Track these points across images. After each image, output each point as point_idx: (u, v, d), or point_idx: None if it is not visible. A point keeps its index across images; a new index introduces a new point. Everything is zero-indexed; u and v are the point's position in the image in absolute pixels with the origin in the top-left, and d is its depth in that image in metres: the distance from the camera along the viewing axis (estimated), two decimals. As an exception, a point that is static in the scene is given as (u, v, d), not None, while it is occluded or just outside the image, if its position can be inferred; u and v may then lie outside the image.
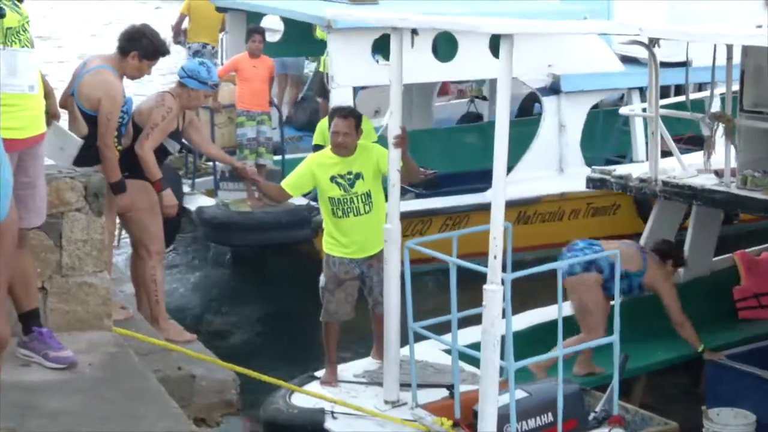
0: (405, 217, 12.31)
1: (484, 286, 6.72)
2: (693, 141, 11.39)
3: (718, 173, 8.81)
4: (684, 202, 9.21)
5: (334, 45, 12.29)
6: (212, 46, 17.29)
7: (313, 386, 8.34)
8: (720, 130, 8.81)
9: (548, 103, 13.71)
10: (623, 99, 14.81)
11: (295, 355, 8.79)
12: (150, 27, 7.74)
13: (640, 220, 10.03)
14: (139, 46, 7.51)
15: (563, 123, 13.60)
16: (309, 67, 18.52)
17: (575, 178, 11.91)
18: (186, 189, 13.04)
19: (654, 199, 9.78)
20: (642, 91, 13.23)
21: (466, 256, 7.74)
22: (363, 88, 14.14)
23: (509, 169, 13.07)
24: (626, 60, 13.48)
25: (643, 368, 9.33)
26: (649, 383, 9.30)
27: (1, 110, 5.46)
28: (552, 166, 13.55)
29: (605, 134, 14.75)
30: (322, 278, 8.47)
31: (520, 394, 7.41)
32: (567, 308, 9.27)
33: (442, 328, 7.91)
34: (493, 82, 16.22)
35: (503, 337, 6.89)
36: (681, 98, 10.53)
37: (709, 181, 8.80)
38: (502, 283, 6.73)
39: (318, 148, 10.90)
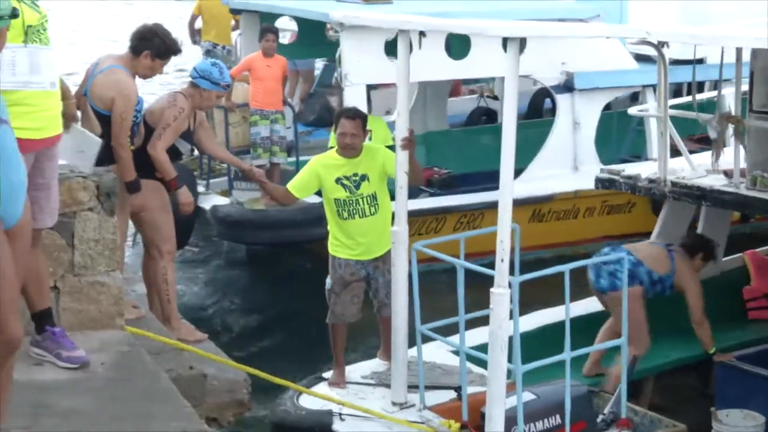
0: (419, 215, 12.59)
1: (492, 290, 6.84)
2: (706, 140, 11.54)
3: (728, 173, 8.91)
4: (693, 202, 9.31)
5: (346, 43, 12.44)
6: (223, 46, 17.49)
7: (321, 387, 8.50)
8: (729, 130, 8.92)
9: (562, 100, 13.89)
10: (638, 99, 14.94)
11: (306, 355, 8.94)
12: (162, 26, 7.87)
13: (656, 217, 10.19)
14: (152, 45, 7.63)
15: (577, 121, 13.78)
16: (319, 63, 18.72)
17: (590, 175, 12.06)
18: (201, 189, 13.25)
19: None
20: (656, 88, 13.38)
21: (478, 255, 7.89)
22: (375, 87, 14.32)
23: (523, 169, 13.45)
24: (640, 58, 13.62)
25: (652, 368, 9.43)
26: (659, 384, 9.40)
27: (21, 110, 5.58)
28: (566, 164, 13.72)
29: (620, 135, 14.90)
30: (328, 280, 8.61)
31: (527, 396, 7.54)
32: (575, 309, 9.45)
33: (450, 329, 8.03)
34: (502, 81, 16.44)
35: (511, 340, 7.01)
36: (690, 98, 10.64)
37: (718, 182, 8.89)
38: (510, 286, 6.84)
39: None
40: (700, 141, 12.11)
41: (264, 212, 12.53)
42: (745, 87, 9.28)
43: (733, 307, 10.33)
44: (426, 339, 8.17)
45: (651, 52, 12.39)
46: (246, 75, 13.76)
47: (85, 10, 40.02)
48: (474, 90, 18.69)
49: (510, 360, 7.09)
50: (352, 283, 8.53)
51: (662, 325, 9.53)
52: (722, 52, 8.99)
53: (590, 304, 10.03)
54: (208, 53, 17.03)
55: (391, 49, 12.11)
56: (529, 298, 9.06)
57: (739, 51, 8.92)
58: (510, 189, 6.89)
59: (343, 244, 8.49)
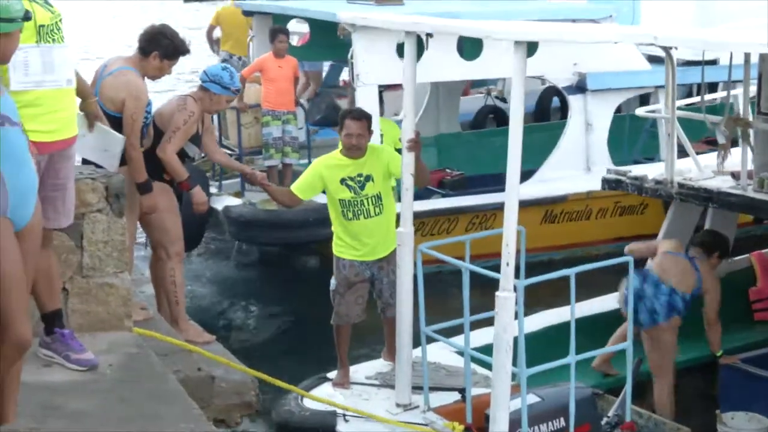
0: (432, 215, 12.77)
1: (497, 293, 6.92)
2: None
3: (735, 175, 9.00)
4: (700, 204, 9.41)
5: (358, 44, 12.61)
6: (239, 57, 17.74)
7: (325, 388, 8.63)
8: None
9: (574, 101, 14.05)
10: (647, 101, 15.08)
11: (313, 356, 9.07)
12: (169, 27, 7.98)
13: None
14: (160, 46, 7.75)
15: (590, 122, 13.94)
16: (325, 65, 18.93)
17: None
18: (213, 190, 13.46)
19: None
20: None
21: (487, 256, 8.00)
22: (384, 88, 14.54)
23: (535, 170, 13.59)
24: (652, 59, 13.74)
25: None
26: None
27: (34, 111, 5.72)
28: (579, 165, 13.87)
29: (633, 137, 15.04)
30: (332, 281, 8.73)
31: (532, 398, 7.61)
32: (580, 310, 9.56)
33: (456, 331, 8.15)
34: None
35: (516, 341, 7.09)
36: (698, 99, 10.75)
37: (725, 184, 8.99)
38: (515, 289, 6.92)
39: None
40: (713, 143, 12.22)
41: (276, 213, 12.68)
42: (753, 89, 9.40)
43: (739, 308, 10.42)
44: (431, 340, 8.26)
45: (661, 53, 12.51)
46: (258, 76, 13.95)
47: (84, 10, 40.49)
48: (483, 93, 18.89)
49: (515, 362, 7.16)
50: (357, 283, 8.65)
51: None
52: (731, 56, 9.10)
53: (595, 305, 10.20)
54: (224, 63, 17.26)
55: (403, 50, 12.28)
56: (535, 300, 9.23)
57: (747, 54, 9.01)
58: (516, 192, 6.93)
59: (348, 244, 8.61)
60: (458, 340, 8.15)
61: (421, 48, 12.09)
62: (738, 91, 10.15)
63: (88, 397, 5.75)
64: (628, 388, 8.04)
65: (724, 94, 11.87)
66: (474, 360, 8.00)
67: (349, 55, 13.06)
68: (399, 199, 8.41)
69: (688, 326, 9.36)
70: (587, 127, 13.95)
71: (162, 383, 6.00)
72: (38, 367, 6.00)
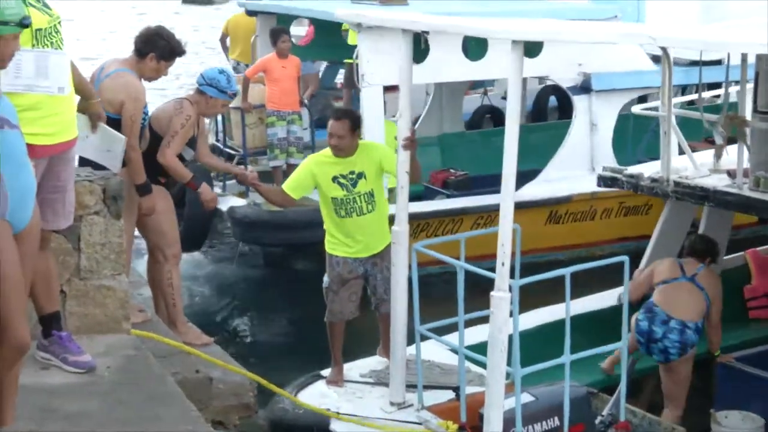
0: (436, 216, 12.91)
1: (492, 293, 7.05)
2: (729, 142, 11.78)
3: (731, 173, 9.07)
4: (695, 203, 9.49)
5: (364, 44, 12.73)
6: (246, 64, 17.98)
7: (319, 385, 8.78)
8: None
9: (579, 102, 14.20)
10: (647, 100, 15.21)
11: (317, 355, 9.20)
12: (165, 28, 8.12)
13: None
14: (156, 48, 7.90)
15: (594, 122, 14.08)
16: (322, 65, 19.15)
17: (607, 177, 12.38)
18: (217, 190, 13.57)
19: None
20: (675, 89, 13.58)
21: (492, 257, 8.11)
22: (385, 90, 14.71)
23: (539, 170, 13.73)
24: (657, 59, 13.85)
25: (652, 368, 9.59)
26: (659, 383, 9.55)
27: (33, 115, 5.82)
28: (583, 166, 14.00)
29: (637, 137, 15.20)
30: (325, 278, 8.87)
31: (526, 397, 7.71)
32: (574, 308, 9.70)
33: (451, 329, 8.24)
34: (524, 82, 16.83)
35: (511, 341, 7.21)
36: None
37: (721, 182, 9.05)
38: (510, 289, 7.04)
39: None
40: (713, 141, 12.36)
41: (281, 213, 12.79)
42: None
43: (734, 306, 10.48)
44: (426, 338, 8.40)
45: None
46: (261, 76, 14.12)
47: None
48: (479, 92, 19.08)
49: (509, 361, 7.28)
50: (350, 280, 8.79)
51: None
52: (728, 55, 9.23)
53: (589, 303, 10.34)
54: (234, 71, 17.57)
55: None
56: (533, 299, 9.35)
57: (744, 54, 9.11)
58: (511, 193, 7.09)
59: (341, 242, 8.75)
60: (453, 338, 8.24)
61: (426, 48, 12.32)
62: (735, 89, 10.30)
63: (86, 400, 5.87)
64: (622, 387, 8.14)
65: (720, 91, 12.02)
66: (468, 358, 8.10)
67: (354, 56, 13.19)
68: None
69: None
70: (592, 128, 14.11)
71: (160, 385, 6.11)
72: (36, 370, 6.12)
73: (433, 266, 8.44)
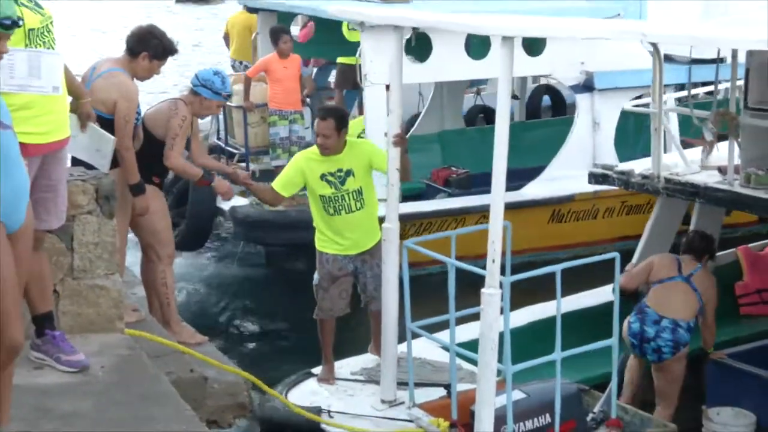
0: (439, 215, 13.11)
1: (482, 290, 7.17)
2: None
3: (722, 170, 9.22)
4: (686, 199, 9.62)
5: (367, 43, 12.87)
6: (240, 61, 18.33)
7: (310, 383, 8.94)
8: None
9: (582, 100, 14.38)
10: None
11: (314, 354, 9.35)
12: (157, 27, 8.18)
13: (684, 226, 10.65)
14: (149, 47, 7.97)
15: (597, 120, 14.25)
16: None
17: (609, 176, 12.50)
18: None
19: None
20: (675, 88, 13.66)
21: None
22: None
23: (540, 167, 13.87)
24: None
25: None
26: (650, 380, 9.64)
27: (26, 114, 5.90)
28: (586, 164, 14.13)
29: (639, 133, 15.35)
30: (315, 276, 9.03)
31: (518, 394, 7.88)
32: (565, 306, 9.82)
33: (442, 327, 8.42)
34: (522, 81, 17.07)
35: (502, 338, 7.34)
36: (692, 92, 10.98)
37: (711, 179, 9.20)
38: (501, 286, 7.17)
39: None
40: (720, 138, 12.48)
41: (283, 213, 12.92)
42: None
43: (726, 302, 10.58)
44: (417, 336, 8.52)
45: (670, 50, 12.77)
46: (263, 75, 14.29)
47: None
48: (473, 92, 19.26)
49: (501, 359, 7.40)
50: (340, 278, 8.95)
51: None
52: (718, 51, 9.37)
53: (583, 300, 10.54)
54: (233, 69, 17.98)
55: (411, 49, 12.58)
56: (528, 298, 9.52)
57: (735, 50, 9.27)
58: (502, 190, 7.18)
59: (330, 239, 8.91)
60: (445, 336, 8.39)
61: (429, 47, 12.44)
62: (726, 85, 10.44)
63: (80, 399, 5.92)
64: (613, 384, 8.31)
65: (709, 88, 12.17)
66: (459, 356, 8.26)
67: (357, 54, 13.34)
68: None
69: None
70: (594, 126, 14.28)
71: (154, 385, 6.18)
72: (29, 370, 6.18)
73: (433, 266, 8.56)
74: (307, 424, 8.33)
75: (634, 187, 9.83)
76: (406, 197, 13.65)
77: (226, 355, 8.22)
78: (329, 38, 15.90)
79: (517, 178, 14.34)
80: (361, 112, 17.10)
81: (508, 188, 13.77)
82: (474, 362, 7.63)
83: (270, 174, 13.69)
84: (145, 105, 8.33)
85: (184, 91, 8.82)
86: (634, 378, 9.49)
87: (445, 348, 8.59)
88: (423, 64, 12.75)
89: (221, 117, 14.97)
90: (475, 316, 7.66)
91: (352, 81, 17.55)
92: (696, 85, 14.69)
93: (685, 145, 10.16)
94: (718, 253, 10.86)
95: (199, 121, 9.15)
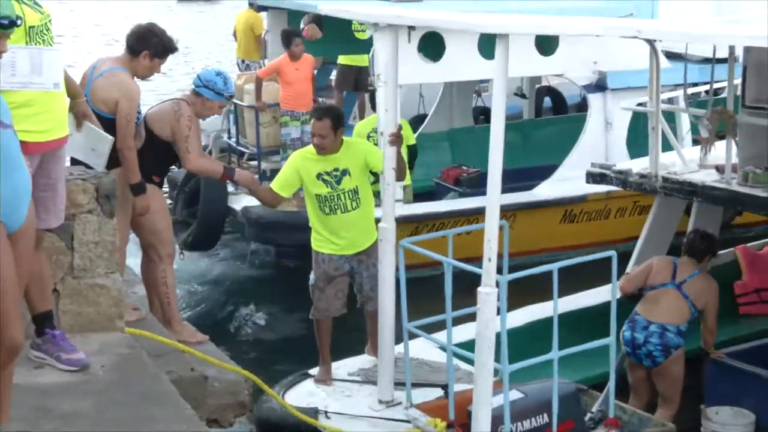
0: (451, 216, 13.30)
1: (479, 289, 7.28)
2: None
3: (719, 168, 9.38)
4: (684, 198, 9.77)
5: (380, 43, 13.03)
6: (242, 59, 18.61)
7: (307, 384, 9.09)
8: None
9: (594, 100, 14.62)
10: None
11: (316, 354, 9.53)
12: (157, 25, 8.32)
13: (687, 218, 10.74)
14: (150, 45, 8.11)
15: (609, 120, 14.44)
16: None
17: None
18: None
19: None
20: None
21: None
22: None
23: (552, 167, 14.06)
24: (670, 56, 14.13)
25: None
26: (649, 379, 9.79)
27: (26, 112, 6.03)
28: None
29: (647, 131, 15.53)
30: (311, 276, 9.18)
31: (515, 394, 7.99)
32: (564, 306, 9.95)
33: (441, 327, 8.51)
34: (532, 80, 17.29)
35: (499, 339, 7.44)
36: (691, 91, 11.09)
37: (709, 177, 9.37)
38: (497, 285, 7.28)
39: None
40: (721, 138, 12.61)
41: (296, 213, 13.04)
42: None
43: (725, 302, 10.62)
44: (415, 336, 8.64)
45: (681, 49, 12.90)
46: (275, 74, 14.47)
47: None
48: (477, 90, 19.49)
49: (498, 358, 7.51)
50: (336, 278, 9.11)
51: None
52: (714, 49, 9.52)
53: (583, 299, 10.67)
54: (238, 68, 18.41)
55: (424, 50, 12.85)
56: (531, 298, 9.67)
57: (731, 47, 9.43)
58: (497, 188, 7.30)
59: (326, 239, 9.07)
60: (442, 336, 8.49)
61: (442, 47, 12.62)
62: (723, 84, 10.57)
63: (80, 399, 6.03)
64: (611, 384, 8.42)
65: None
66: (457, 356, 8.36)
67: (370, 54, 13.51)
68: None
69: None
70: (607, 126, 14.47)
71: (155, 384, 6.30)
72: (29, 369, 6.29)
73: (438, 266, 8.71)
74: (303, 425, 8.44)
75: (632, 187, 9.97)
76: (417, 196, 13.90)
77: (229, 354, 8.34)
78: (338, 37, 16.08)
79: (527, 177, 14.59)
80: (361, 113, 17.43)
81: (520, 188, 14.13)
82: (472, 362, 7.72)
83: None
84: (144, 106, 8.43)
85: (186, 91, 8.93)
86: (639, 393, 9.72)
87: (443, 348, 8.68)
88: (436, 64, 12.95)
89: (232, 117, 15.23)
90: (474, 317, 7.69)
91: (352, 82, 17.83)
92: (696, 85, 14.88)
93: (698, 143, 10.28)
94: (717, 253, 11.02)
95: (209, 120, 9.29)
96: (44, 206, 6.20)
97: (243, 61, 19.30)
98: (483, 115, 18.43)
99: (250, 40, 19.16)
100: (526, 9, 14.12)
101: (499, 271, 7.44)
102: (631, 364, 9.67)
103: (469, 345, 7.93)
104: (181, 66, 29.77)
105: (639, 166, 10.00)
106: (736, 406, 9.19)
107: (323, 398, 8.94)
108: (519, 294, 9.03)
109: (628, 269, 10.19)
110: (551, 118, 18.76)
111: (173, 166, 9.53)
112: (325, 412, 8.64)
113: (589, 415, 8.62)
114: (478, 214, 13.54)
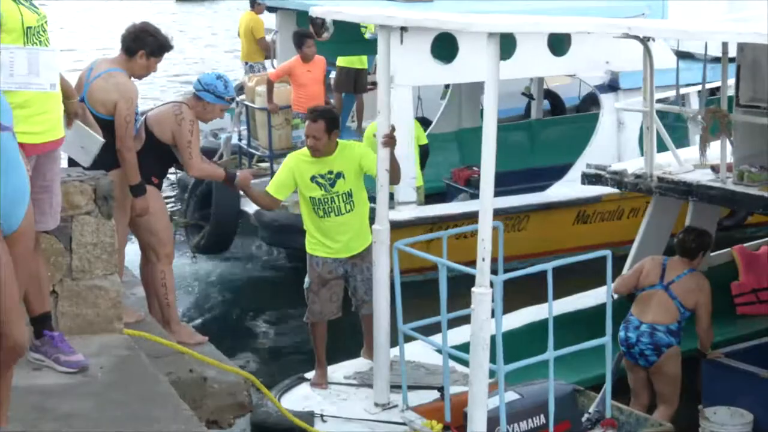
0: (465, 218, 13.46)
1: (473, 289, 7.44)
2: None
3: (715, 168, 9.58)
4: (679, 198, 9.96)
5: (393, 44, 13.24)
6: (246, 62, 18.81)
7: (303, 388, 9.26)
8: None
9: (606, 100, 14.85)
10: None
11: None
12: (151, 24, 8.49)
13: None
14: (145, 44, 8.27)
15: (621, 120, 14.66)
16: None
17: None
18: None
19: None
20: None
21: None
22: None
23: (564, 167, 14.26)
24: (681, 55, 14.32)
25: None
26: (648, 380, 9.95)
27: (23, 113, 6.13)
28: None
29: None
30: (306, 279, 9.36)
31: (512, 395, 8.14)
32: (562, 307, 10.17)
33: (438, 329, 8.61)
34: (539, 80, 17.49)
35: (495, 339, 7.59)
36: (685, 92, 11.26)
37: (704, 177, 9.57)
38: (492, 285, 7.43)
39: None
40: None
41: None
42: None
43: (722, 302, 10.88)
44: (411, 339, 8.83)
45: (692, 49, 13.13)
46: (286, 76, 14.66)
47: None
48: None
49: (494, 359, 7.65)
50: (331, 281, 9.28)
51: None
52: (705, 46, 9.69)
53: (580, 301, 10.87)
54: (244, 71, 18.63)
55: (437, 51, 13.03)
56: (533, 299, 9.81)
57: (725, 45, 9.61)
58: (491, 187, 7.48)
59: (320, 242, 9.24)
60: (439, 338, 8.61)
61: (455, 48, 12.84)
62: (716, 84, 10.74)
63: (79, 400, 6.14)
64: (608, 384, 8.58)
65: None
66: (454, 358, 8.52)
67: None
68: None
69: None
70: (619, 126, 14.69)
71: (153, 385, 6.42)
72: (28, 371, 6.40)
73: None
74: (300, 427, 8.54)
75: (627, 187, 10.18)
76: (426, 197, 14.11)
77: (234, 355, 8.44)
78: (347, 37, 16.27)
79: (539, 177, 14.78)
80: (359, 115, 17.62)
81: (533, 188, 14.28)
82: (467, 364, 7.84)
83: None
84: (143, 108, 8.61)
85: (187, 95, 9.07)
86: (639, 395, 9.91)
87: (440, 351, 8.78)
88: (449, 65, 13.17)
89: (244, 118, 15.46)
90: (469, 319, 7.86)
91: (350, 84, 18.04)
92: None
93: None
94: (713, 253, 11.22)
95: (221, 121, 9.46)
96: (40, 208, 6.29)
97: (246, 63, 19.56)
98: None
99: (251, 42, 19.43)
100: (536, 9, 14.31)
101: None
102: (629, 365, 9.87)
103: (466, 347, 8.00)
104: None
105: (634, 166, 10.17)
106: (733, 405, 9.32)
107: (319, 402, 9.10)
108: (521, 296, 9.26)
109: (625, 270, 10.39)
110: (561, 117, 18.98)
111: (172, 168, 9.69)
112: (321, 416, 8.79)
113: (586, 415, 8.75)
114: (494, 215, 13.81)
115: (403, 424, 8.65)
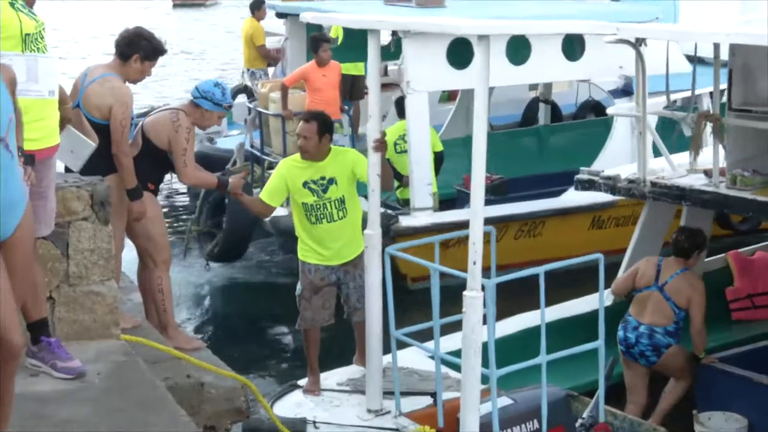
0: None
1: (464, 293, 7.60)
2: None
3: (708, 173, 9.81)
4: (672, 202, 10.19)
5: (409, 50, 13.54)
6: (247, 68, 19.16)
7: (296, 395, 9.44)
8: (708, 129, 9.74)
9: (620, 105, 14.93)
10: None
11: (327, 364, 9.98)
12: (144, 28, 8.72)
13: (716, 224, 11.01)
14: (140, 49, 8.50)
15: (635, 125, 14.90)
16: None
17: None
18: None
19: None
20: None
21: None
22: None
23: (576, 172, 14.59)
24: (691, 59, 14.56)
25: None
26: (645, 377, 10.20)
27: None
28: None
29: (667, 136, 15.98)
30: (298, 286, 9.55)
31: (505, 401, 8.34)
32: (555, 313, 10.43)
33: (430, 336, 8.83)
34: (550, 87, 17.73)
35: (487, 344, 7.76)
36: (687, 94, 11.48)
37: (697, 181, 9.80)
38: (483, 289, 7.58)
39: None
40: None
41: None
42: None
43: (717, 307, 11.14)
44: (404, 344, 9.01)
45: (702, 53, 13.36)
46: (301, 82, 14.91)
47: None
48: None
49: (487, 364, 7.81)
50: (323, 288, 9.46)
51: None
52: (695, 47, 9.90)
53: (571, 307, 11.07)
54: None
55: (452, 57, 13.32)
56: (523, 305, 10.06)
57: (716, 48, 9.83)
58: (481, 191, 7.65)
59: (312, 249, 9.42)
60: (429, 344, 8.85)
61: (470, 54, 13.12)
62: (708, 90, 10.96)
63: (76, 406, 6.32)
64: (600, 389, 8.79)
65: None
66: (447, 363, 8.72)
67: (399, 61, 13.96)
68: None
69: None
70: (633, 131, 14.92)
71: (151, 391, 6.62)
72: (26, 377, 6.57)
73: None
74: None
75: (620, 192, 10.39)
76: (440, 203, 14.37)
77: (233, 362, 8.58)
78: (359, 42, 16.51)
79: (552, 183, 15.14)
80: (355, 121, 17.92)
81: (546, 194, 14.51)
82: (460, 369, 7.95)
83: None
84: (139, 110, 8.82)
85: (184, 101, 9.26)
86: (637, 393, 10.17)
87: (433, 357, 8.93)
88: (464, 71, 13.44)
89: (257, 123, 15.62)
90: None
91: (347, 90, 18.29)
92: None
93: None
94: (708, 259, 11.48)
95: (216, 126, 9.68)
96: (35, 215, 6.37)
97: (248, 70, 19.86)
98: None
99: (251, 49, 19.74)
100: (548, 14, 14.59)
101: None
102: (626, 363, 10.12)
103: (460, 353, 8.09)
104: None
105: (628, 171, 10.42)
106: (728, 410, 9.51)
107: (311, 408, 9.26)
108: (521, 303, 9.49)
109: (620, 274, 10.64)
110: (571, 123, 19.20)
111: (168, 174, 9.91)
112: (314, 422, 8.97)
113: (579, 421, 8.92)
114: (510, 221, 14.11)
115: (396, 430, 8.84)
